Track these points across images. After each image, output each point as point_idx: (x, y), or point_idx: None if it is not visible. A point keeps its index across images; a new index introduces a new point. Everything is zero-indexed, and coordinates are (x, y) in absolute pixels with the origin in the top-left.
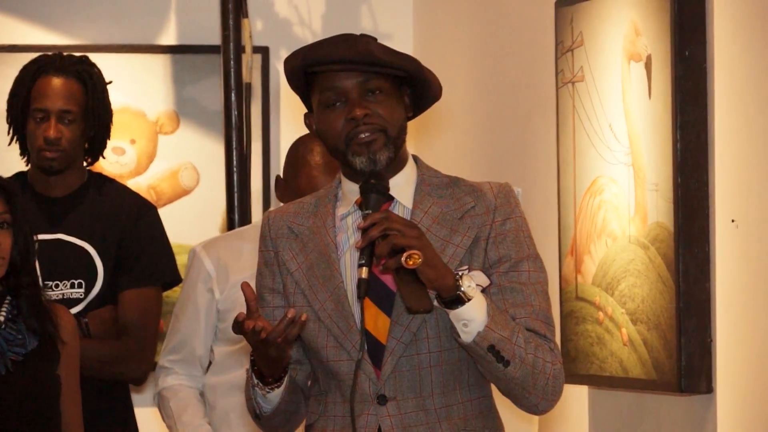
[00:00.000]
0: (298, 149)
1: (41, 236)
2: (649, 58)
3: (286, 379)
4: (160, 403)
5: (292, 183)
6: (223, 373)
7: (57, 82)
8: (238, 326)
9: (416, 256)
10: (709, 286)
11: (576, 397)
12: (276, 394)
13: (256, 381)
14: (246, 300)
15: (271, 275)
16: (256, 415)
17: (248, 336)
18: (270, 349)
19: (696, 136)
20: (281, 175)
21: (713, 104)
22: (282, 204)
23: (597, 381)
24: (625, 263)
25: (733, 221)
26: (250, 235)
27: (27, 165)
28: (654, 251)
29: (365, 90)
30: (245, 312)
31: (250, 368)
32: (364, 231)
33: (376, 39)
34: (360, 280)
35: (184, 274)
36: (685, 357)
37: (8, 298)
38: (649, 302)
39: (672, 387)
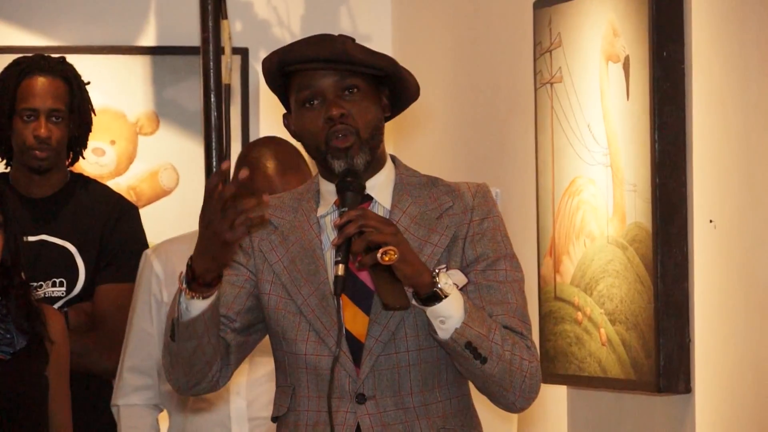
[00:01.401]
0: (249, 154)
1: (25, 238)
2: (627, 59)
3: (214, 295)
4: (118, 418)
5: (246, 188)
6: None
7: (44, 81)
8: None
9: (392, 253)
10: (687, 287)
11: (555, 397)
12: (200, 305)
13: (185, 284)
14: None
15: (245, 255)
16: (171, 334)
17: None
18: (218, 233)
19: (674, 137)
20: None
21: (691, 105)
22: None
23: (576, 381)
24: (603, 263)
25: (711, 221)
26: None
27: (6, 167)
28: (632, 251)
29: (341, 88)
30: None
31: (183, 272)
32: (340, 228)
33: (353, 39)
34: (336, 278)
35: (137, 278)
36: (664, 357)
37: None
38: (628, 302)
39: (651, 387)
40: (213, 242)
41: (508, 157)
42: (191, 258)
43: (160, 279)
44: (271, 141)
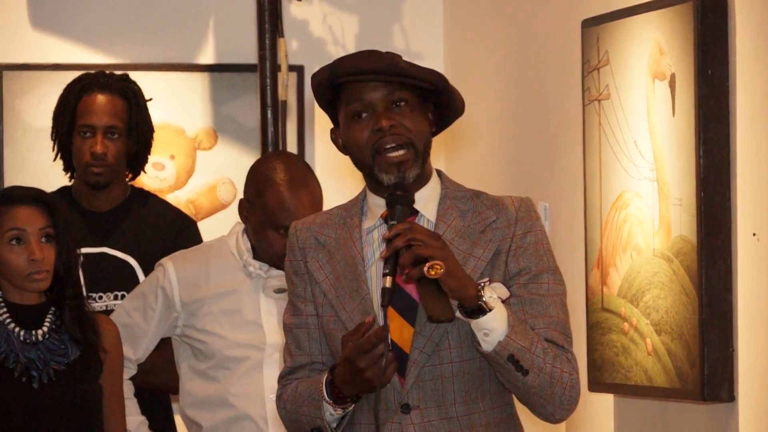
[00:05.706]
0: (259, 169)
1: (87, 250)
2: (673, 77)
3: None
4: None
5: (257, 203)
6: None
7: (102, 98)
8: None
9: (438, 267)
10: (731, 298)
11: (601, 406)
12: (343, 413)
13: (330, 400)
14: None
15: (303, 284)
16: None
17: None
18: (363, 370)
19: (718, 153)
20: (244, 197)
21: (735, 121)
22: (246, 226)
23: (622, 390)
24: (649, 275)
25: (754, 235)
26: (215, 250)
27: (70, 181)
28: (678, 264)
29: (391, 101)
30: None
31: (324, 385)
32: (389, 241)
33: (401, 56)
34: (384, 289)
35: (145, 279)
36: (708, 366)
37: (52, 308)
38: (673, 313)
39: (695, 395)
40: (365, 383)
41: (556, 172)
42: (335, 378)
43: (172, 283)
44: (282, 156)
